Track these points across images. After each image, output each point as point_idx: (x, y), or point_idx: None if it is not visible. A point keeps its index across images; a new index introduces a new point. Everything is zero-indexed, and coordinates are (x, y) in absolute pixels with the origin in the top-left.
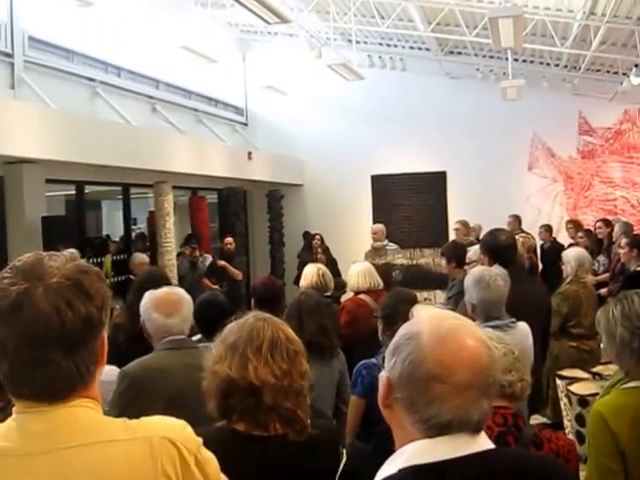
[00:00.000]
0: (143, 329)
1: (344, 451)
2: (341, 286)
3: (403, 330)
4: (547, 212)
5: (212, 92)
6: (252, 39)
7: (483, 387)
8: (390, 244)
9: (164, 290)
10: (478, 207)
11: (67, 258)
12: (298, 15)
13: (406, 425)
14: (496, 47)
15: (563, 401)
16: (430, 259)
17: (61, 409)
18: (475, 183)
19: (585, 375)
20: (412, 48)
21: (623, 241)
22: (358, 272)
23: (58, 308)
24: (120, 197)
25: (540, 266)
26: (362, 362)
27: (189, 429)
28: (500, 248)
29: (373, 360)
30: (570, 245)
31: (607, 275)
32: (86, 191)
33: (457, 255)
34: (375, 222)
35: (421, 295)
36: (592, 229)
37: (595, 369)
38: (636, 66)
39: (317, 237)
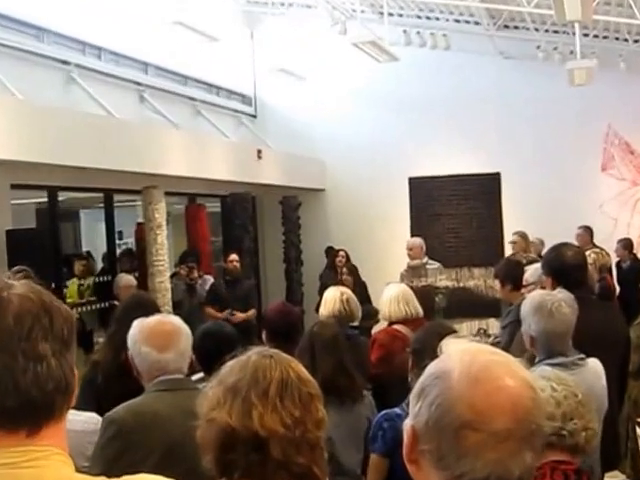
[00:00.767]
0: (131, 366)
1: None
2: (371, 314)
3: (430, 369)
4: (625, 223)
5: (213, 77)
6: (261, 12)
7: (525, 436)
8: (431, 262)
9: (157, 319)
10: (539, 217)
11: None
12: None
13: None
14: (560, 20)
15: None
16: (481, 281)
17: (22, 461)
18: (536, 187)
19: None
20: (458, 21)
21: None
22: (392, 297)
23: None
24: (102, 206)
25: (617, 289)
26: (384, 412)
27: None
28: (566, 267)
29: (397, 410)
30: None
31: None
32: (60, 198)
33: (513, 276)
34: (413, 235)
35: (471, 325)
36: None
37: None
38: None
39: (341, 254)
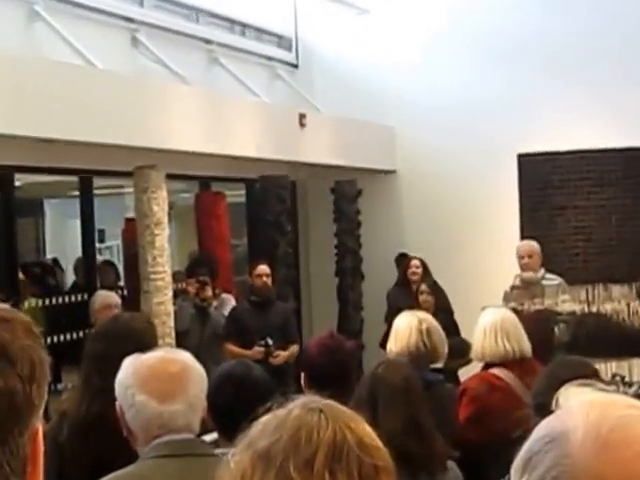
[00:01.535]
0: (121, 423)
1: None
2: (462, 352)
3: (540, 430)
4: None
5: (237, 10)
6: None
7: None
8: (549, 276)
9: (158, 356)
10: None
11: None
12: None
13: None
14: None
15: None
16: (622, 304)
17: None
18: None
19: None
20: None
21: None
22: (487, 328)
23: None
24: (75, 194)
25: None
26: None
27: None
28: None
29: None
30: None
31: None
32: (17, 184)
33: None
34: (524, 238)
35: (605, 368)
36: None
37: None
38: None
39: (414, 263)
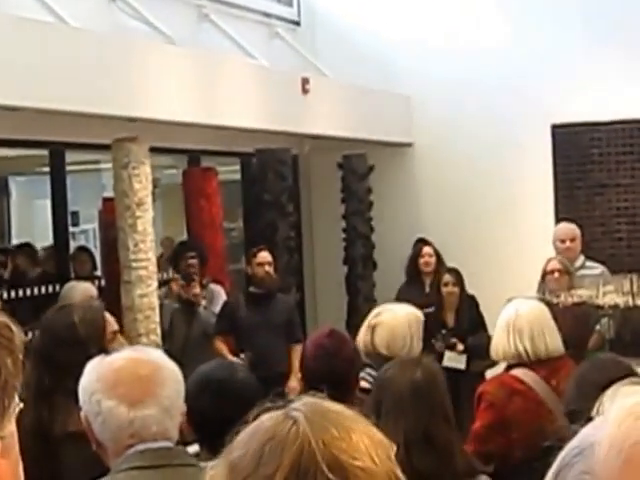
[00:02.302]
0: (88, 435)
1: None
2: (487, 351)
3: (575, 440)
4: None
5: None
6: None
7: None
8: (590, 264)
9: (124, 357)
10: None
11: None
12: None
13: None
14: None
15: None
16: None
17: None
18: None
19: None
20: None
21: None
22: (501, 324)
23: None
24: (45, 170)
25: None
26: None
27: None
28: None
29: None
30: None
31: None
32: None
33: None
34: (559, 220)
35: None
36: None
37: None
38: None
39: (426, 251)
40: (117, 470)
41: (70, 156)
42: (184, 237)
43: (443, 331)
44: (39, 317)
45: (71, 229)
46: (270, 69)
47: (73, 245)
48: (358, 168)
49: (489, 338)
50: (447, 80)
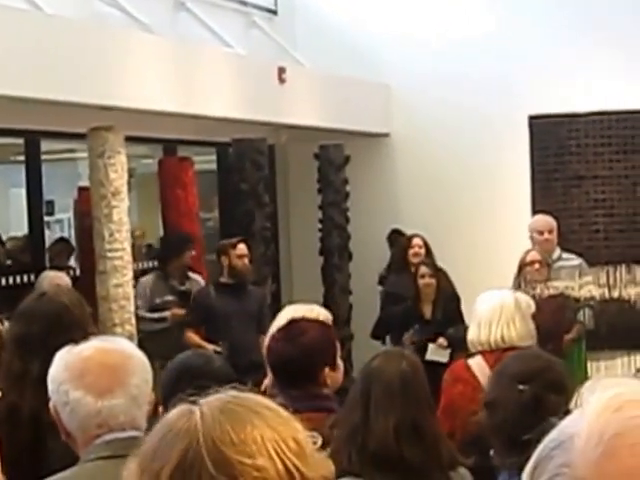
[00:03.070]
0: (58, 425)
1: None
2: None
3: (554, 432)
4: None
5: None
6: None
7: None
8: (567, 256)
9: (92, 346)
10: None
11: None
12: None
13: None
14: None
15: None
16: None
17: None
18: None
19: None
20: None
21: None
22: (475, 314)
23: None
24: (20, 159)
25: None
26: None
27: None
28: None
29: None
30: None
31: None
32: None
33: None
34: (536, 212)
35: (629, 361)
36: None
37: None
38: None
39: (417, 242)
40: (85, 460)
41: (45, 145)
42: (159, 227)
43: (416, 326)
44: (13, 307)
45: (46, 218)
46: (247, 58)
47: (48, 234)
48: (335, 158)
49: (466, 330)
50: (426, 71)
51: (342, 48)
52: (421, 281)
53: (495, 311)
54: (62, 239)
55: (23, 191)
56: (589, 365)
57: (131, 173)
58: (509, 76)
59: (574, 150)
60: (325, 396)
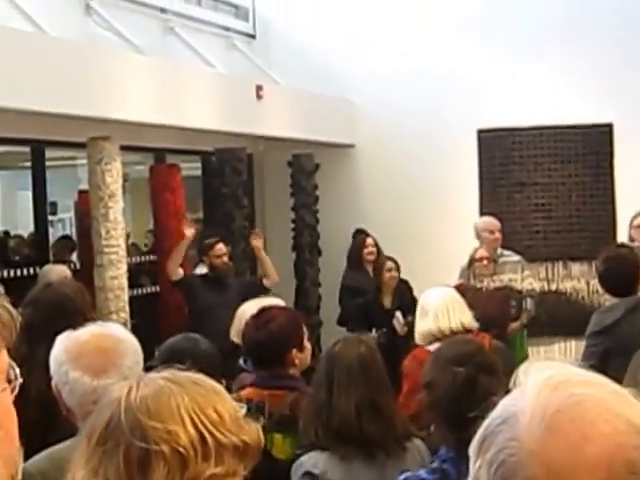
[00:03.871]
0: (59, 401)
1: None
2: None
3: (497, 410)
4: None
5: None
6: None
7: None
8: (507, 253)
9: (89, 331)
10: None
11: None
12: None
13: None
14: None
15: None
16: (582, 282)
17: None
18: None
19: None
20: None
21: None
22: (420, 307)
23: None
24: (27, 165)
25: None
26: (403, 477)
27: None
28: None
29: (422, 474)
30: None
31: None
32: None
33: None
34: (483, 214)
35: (565, 347)
36: None
37: None
38: None
39: (369, 242)
40: (81, 434)
41: (49, 153)
42: (150, 226)
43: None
44: (20, 296)
45: (50, 218)
46: (228, 77)
47: (52, 232)
48: (306, 166)
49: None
50: (387, 87)
51: (312, 68)
52: (387, 274)
53: (448, 302)
54: (65, 236)
55: (29, 194)
56: (530, 349)
57: (125, 178)
58: (460, 95)
59: (517, 160)
60: (290, 376)
